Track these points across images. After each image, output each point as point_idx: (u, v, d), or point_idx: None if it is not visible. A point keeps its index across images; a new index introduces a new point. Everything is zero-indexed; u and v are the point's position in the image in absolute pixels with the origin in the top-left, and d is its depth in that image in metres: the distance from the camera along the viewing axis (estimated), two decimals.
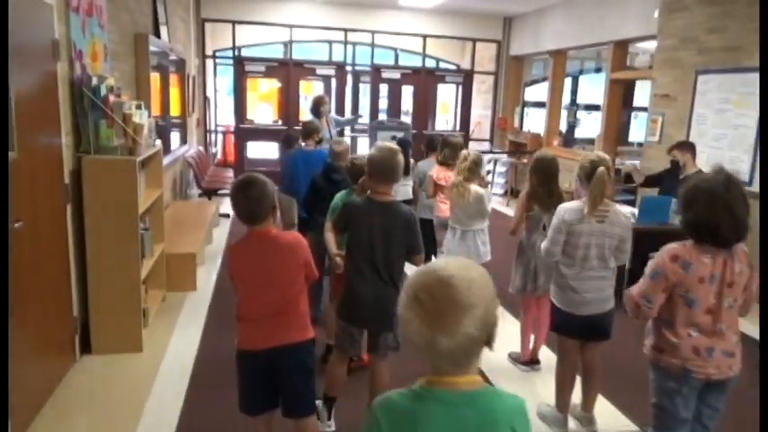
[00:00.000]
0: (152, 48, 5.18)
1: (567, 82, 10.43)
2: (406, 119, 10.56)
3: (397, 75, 10.57)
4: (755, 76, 5.16)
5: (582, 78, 12.11)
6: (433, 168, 5.03)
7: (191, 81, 7.99)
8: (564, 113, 10.36)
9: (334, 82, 10.35)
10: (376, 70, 10.39)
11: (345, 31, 10.02)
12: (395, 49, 11.74)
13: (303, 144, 5.28)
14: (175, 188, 7.00)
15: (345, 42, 10.26)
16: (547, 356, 3.80)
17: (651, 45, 7.96)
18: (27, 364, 2.80)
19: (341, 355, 2.97)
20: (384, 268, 2.74)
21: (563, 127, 10.48)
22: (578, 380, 3.09)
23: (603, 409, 3.23)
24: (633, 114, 10.76)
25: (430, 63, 11.02)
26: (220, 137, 10.95)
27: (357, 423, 2.68)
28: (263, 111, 10.76)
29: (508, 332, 3.99)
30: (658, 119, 6.48)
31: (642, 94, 8.39)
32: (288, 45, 10.57)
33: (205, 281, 5.11)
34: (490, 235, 4.40)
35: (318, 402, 2.80)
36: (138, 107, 3.81)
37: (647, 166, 6.57)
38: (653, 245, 2.97)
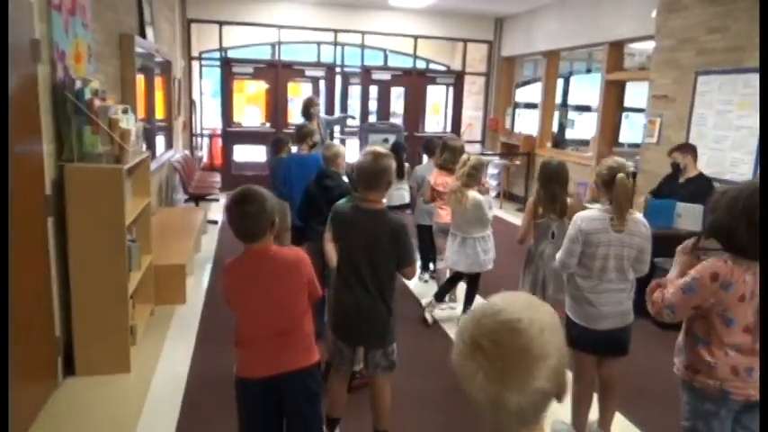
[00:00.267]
0: (138, 49, 4.96)
1: (558, 83, 10.32)
2: (396, 121, 10.40)
3: (387, 76, 10.41)
4: (758, 77, 5.07)
5: (572, 79, 12.03)
6: (431, 173, 4.88)
7: (176, 83, 7.75)
8: (555, 115, 10.26)
9: (323, 84, 10.15)
10: (366, 71, 10.21)
11: (335, 31, 9.83)
12: (384, 51, 11.58)
13: (297, 148, 5.12)
14: (161, 194, 6.76)
15: (335, 43, 10.07)
16: None
17: (643, 46, 7.89)
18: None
19: (336, 373, 2.82)
20: (371, 281, 2.57)
21: (554, 128, 10.38)
22: (595, 396, 2.94)
23: (622, 427, 3.08)
24: (624, 115, 10.70)
25: (420, 64, 10.87)
26: (206, 140, 10.71)
27: None
28: (250, 113, 10.53)
29: None
30: (656, 120, 6.38)
31: (632, 94, 8.30)
32: (276, 46, 10.35)
33: (194, 292, 4.89)
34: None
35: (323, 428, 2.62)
36: (125, 111, 3.60)
37: (645, 168, 6.48)
38: (657, 250, 2.85)
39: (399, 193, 5.64)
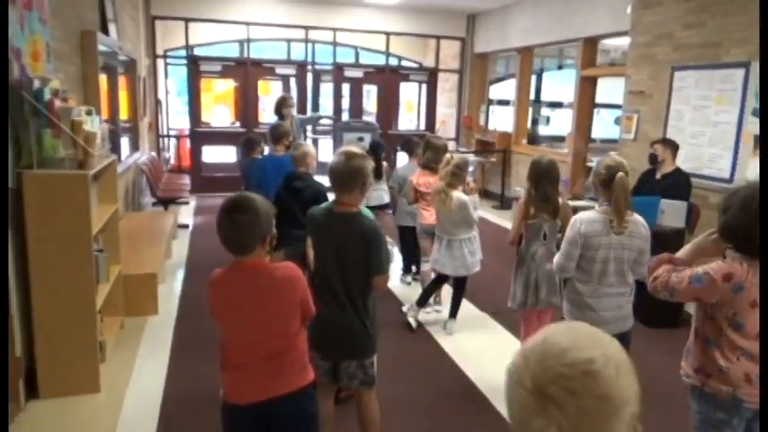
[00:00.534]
0: (100, 47, 4.68)
1: (531, 80, 10.32)
2: (369, 119, 10.24)
3: (359, 73, 10.22)
4: (735, 72, 5.07)
5: (544, 76, 12.07)
6: (413, 173, 4.74)
7: (141, 83, 7.44)
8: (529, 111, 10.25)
9: (293, 81, 9.92)
10: (338, 69, 10.01)
11: (306, 28, 9.61)
12: (355, 48, 11.40)
13: (270, 149, 4.94)
14: (128, 198, 6.46)
15: (306, 40, 9.85)
16: None
17: (617, 42, 7.90)
18: None
19: (319, 386, 2.65)
20: (342, 293, 2.39)
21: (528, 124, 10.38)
22: None
23: None
24: (595, 111, 10.77)
25: (392, 62, 10.73)
26: (173, 141, 10.35)
27: None
28: (219, 113, 10.24)
29: (506, 349, 3.73)
30: (633, 116, 6.37)
31: (601, 91, 8.31)
32: (244, 44, 10.06)
33: (167, 302, 4.65)
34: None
35: None
36: (89, 113, 3.35)
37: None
38: None
39: (378, 194, 5.50)
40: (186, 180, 8.15)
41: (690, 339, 2.11)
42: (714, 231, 2.04)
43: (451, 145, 10.53)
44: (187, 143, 9.84)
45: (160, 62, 9.44)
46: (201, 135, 9.50)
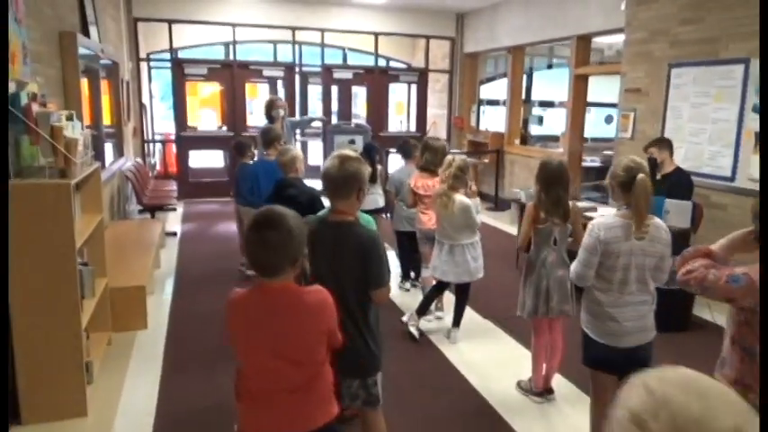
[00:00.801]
0: (81, 49, 4.46)
1: (522, 79, 10.22)
2: (358, 121, 10.07)
3: (348, 75, 10.05)
4: (735, 69, 4.98)
5: (534, 75, 11.99)
6: (410, 176, 4.58)
7: (125, 86, 7.20)
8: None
9: (281, 84, 9.72)
10: (327, 70, 9.83)
11: (293, 29, 9.42)
12: (343, 49, 11.24)
13: (260, 153, 4.76)
14: (113, 206, 6.23)
15: (293, 42, 9.66)
16: (559, 384, 3.41)
17: (611, 39, 7.82)
18: None
19: None
20: (339, 305, 2.22)
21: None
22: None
23: None
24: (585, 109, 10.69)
25: (381, 63, 10.57)
26: (159, 146, 10.11)
27: None
28: (206, 117, 10.02)
29: (513, 358, 3.59)
30: (630, 115, 6.27)
31: (590, 88, 8.21)
32: (230, 46, 9.85)
33: (157, 315, 4.43)
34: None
35: None
36: (70, 118, 3.15)
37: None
38: None
39: (373, 198, 5.32)
40: (173, 186, 7.91)
41: (724, 348, 1.97)
42: (753, 231, 1.91)
43: None
44: (173, 148, 9.60)
45: (144, 65, 9.20)
46: (188, 140, 9.26)
